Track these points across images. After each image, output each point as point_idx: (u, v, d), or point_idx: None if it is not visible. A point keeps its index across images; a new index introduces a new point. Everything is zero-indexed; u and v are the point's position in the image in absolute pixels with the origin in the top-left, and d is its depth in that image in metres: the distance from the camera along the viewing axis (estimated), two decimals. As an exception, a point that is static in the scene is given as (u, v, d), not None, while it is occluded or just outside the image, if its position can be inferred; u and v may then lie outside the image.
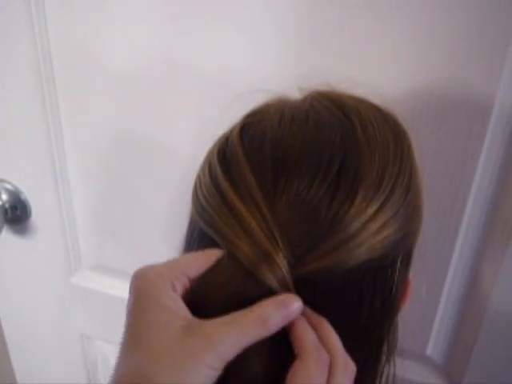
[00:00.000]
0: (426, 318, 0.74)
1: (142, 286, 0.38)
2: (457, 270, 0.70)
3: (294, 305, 0.38)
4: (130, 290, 0.39)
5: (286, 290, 0.38)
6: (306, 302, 0.39)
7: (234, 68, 0.68)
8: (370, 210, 0.39)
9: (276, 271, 0.38)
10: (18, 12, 0.74)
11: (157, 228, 0.86)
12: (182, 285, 0.39)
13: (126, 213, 0.87)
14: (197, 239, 0.45)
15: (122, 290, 0.93)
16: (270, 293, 0.38)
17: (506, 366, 0.73)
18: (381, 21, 0.59)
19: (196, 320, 0.37)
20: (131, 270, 0.92)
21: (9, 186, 0.90)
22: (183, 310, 0.37)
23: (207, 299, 0.39)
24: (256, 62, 0.66)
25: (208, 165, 0.45)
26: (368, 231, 0.39)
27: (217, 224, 0.41)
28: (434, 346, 0.77)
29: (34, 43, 0.76)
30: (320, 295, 0.40)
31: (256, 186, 0.40)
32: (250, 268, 0.38)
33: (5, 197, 0.90)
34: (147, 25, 0.69)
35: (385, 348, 0.46)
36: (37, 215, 0.92)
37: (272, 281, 0.38)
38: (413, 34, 0.58)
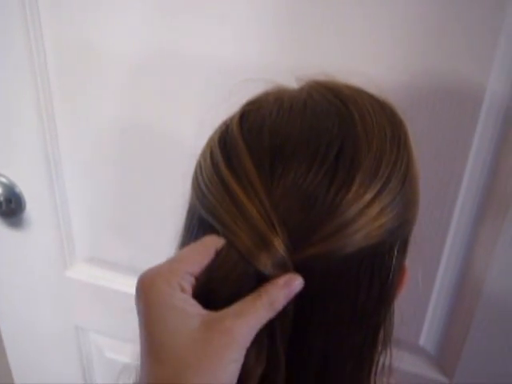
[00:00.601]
0: (419, 308, 0.75)
1: (152, 295, 0.38)
2: (449, 259, 0.71)
3: (296, 284, 0.39)
4: (138, 299, 0.39)
5: (286, 270, 0.39)
6: (303, 287, 0.40)
7: (233, 58, 0.68)
8: (368, 196, 0.40)
9: (274, 258, 0.39)
10: (11, 5, 0.74)
11: (152, 220, 0.86)
12: (189, 284, 0.39)
13: (120, 205, 0.87)
14: (196, 225, 0.45)
15: (116, 283, 0.94)
16: (270, 277, 0.39)
17: (498, 356, 0.74)
18: (374, 14, 0.59)
19: (211, 315, 0.38)
20: (126, 263, 0.93)
21: (3, 180, 0.89)
22: (197, 308, 0.38)
23: (214, 292, 0.40)
24: (254, 51, 0.66)
25: (209, 152, 0.45)
26: (365, 217, 0.40)
27: (217, 211, 0.41)
28: (427, 336, 0.78)
29: (27, 36, 0.76)
30: (318, 281, 0.41)
31: (255, 174, 0.41)
32: (249, 257, 0.39)
33: (-1, 190, 0.90)
34: (145, 14, 0.69)
35: (381, 335, 0.47)
36: (31, 208, 0.92)
37: (271, 267, 0.39)
38: (405, 26, 0.59)
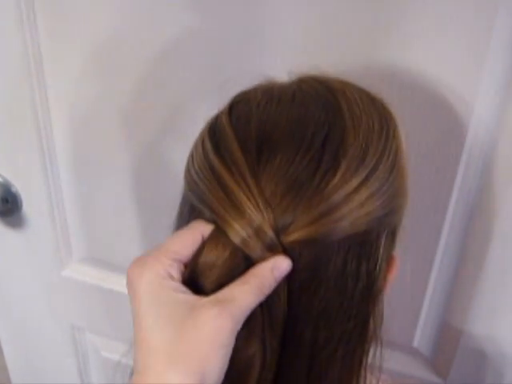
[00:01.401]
0: (413, 309, 0.75)
1: (142, 285, 0.39)
2: (443, 259, 0.71)
3: (284, 266, 0.40)
4: (129, 290, 0.40)
5: (275, 253, 0.40)
6: (291, 273, 0.41)
7: (227, 54, 0.68)
8: (354, 182, 0.40)
9: (263, 241, 0.40)
10: (6, 6, 0.74)
11: (148, 220, 0.86)
12: (177, 271, 0.40)
13: (116, 205, 0.87)
14: (187, 215, 0.46)
15: (112, 283, 0.94)
16: (259, 261, 0.40)
17: (491, 358, 0.74)
18: (365, 11, 0.59)
19: (201, 300, 0.38)
20: (122, 263, 0.92)
21: (-1, 179, 0.90)
22: (186, 295, 0.39)
23: (204, 277, 0.41)
24: (248, 47, 0.67)
25: (200, 142, 0.46)
26: (352, 203, 0.40)
27: (206, 197, 0.42)
28: (421, 337, 0.78)
29: (22, 33, 0.76)
30: (305, 268, 0.42)
31: (242, 159, 0.41)
32: (237, 241, 0.40)
33: (-5, 189, 0.90)
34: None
35: (371, 325, 0.47)
36: (28, 208, 0.92)
37: (260, 251, 0.40)
38: (394, 26, 0.59)
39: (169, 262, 0.40)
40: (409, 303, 0.74)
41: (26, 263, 1.00)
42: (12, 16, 0.74)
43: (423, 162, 0.64)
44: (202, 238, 0.41)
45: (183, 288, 0.40)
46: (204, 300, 0.38)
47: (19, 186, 0.90)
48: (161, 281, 0.38)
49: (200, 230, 0.42)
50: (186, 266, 0.41)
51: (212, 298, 0.39)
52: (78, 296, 1.00)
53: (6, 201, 0.90)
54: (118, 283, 0.93)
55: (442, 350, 0.77)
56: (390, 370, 0.79)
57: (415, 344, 0.79)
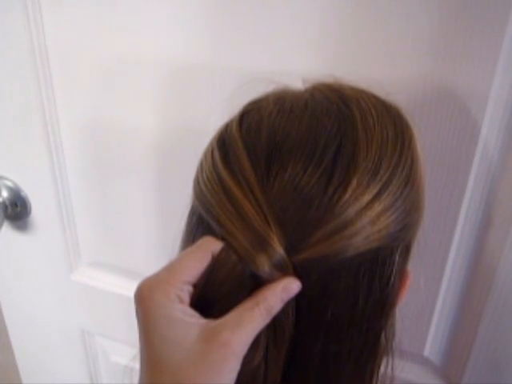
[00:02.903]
0: (423, 318, 0.74)
1: (151, 307, 0.38)
2: (454, 267, 0.69)
3: (293, 289, 0.39)
4: (137, 310, 0.39)
5: (284, 275, 0.39)
6: (301, 289, 0.40)
7: (242, 61, 0.67)
8: (366, 198, 0.39)
9: (272, 259, 0.39)
10: (14, 9, 0.74)
11: (157, 224, 0.86)
12: (187, 293, 0.39)
13: (125, 210, 0.87)
14: (195, 225, 0.45)
15: (121, 287, 0.94)
16: (268, 279, 0.39)
17: (504, 367, 0.73)
18: (380, 18, 0.58)
19: (209, 325, 0.38)
20: (131, 267, 0.93)
21: (9, 183, 0.90)
22: (195, 318, 0.38)
23: (212, 296, 0.40)
24: (261, 54, 0.66)
25: (209, 151, 0.45)
26: (364, 219, 0.39)
27: (214, 209, 0.41)
28: (432, 346, 0.76)
29: (30, 39, 0.76)
30: (315, 284, 0.41)
31: (251, 172, 0.41)
32: (246, 258, 0.39)
33: (5, 193, 0.90)
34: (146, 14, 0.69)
35: (382, 340, 0.46)
36: (37, 212, 0.92)
37: (269, 269, 0.39)
38: (407, 30, 0.58)
39: (179, 285, 0.39)
40: (419, 312, 0.73)
41: (36, 267, 1.00)
42: (19, 20, 0.74)
43: (433, 169, 0.63)
44: (212, 256, 0.40)
45: (192, 312, 0.39)
46: (213, 324, 0.38)
47: (28, 191, 0.91)
48: (170, 304, 0.38)
49: (210, 248, 0.40)
50: (195, 285, 0.40)
51: (220, 322, 0.38)
52: (87, 300, 1.00)
53: (15, 205, 0.91)
54: (127, 287, 0.92)
55: (454, 359, 0.76)
56: (400, 379, 0.78)
57: (426, 353, 0.77)
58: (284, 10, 0.61)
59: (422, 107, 0.60)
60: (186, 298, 0.39)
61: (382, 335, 0.46)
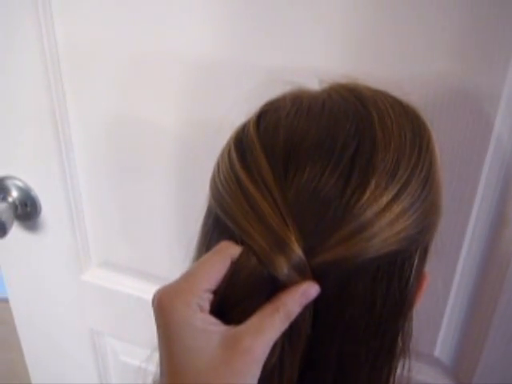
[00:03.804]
0: (435, 318, 0.73)
1: (172, 316, 0.38)
2: (465, 267, 0.69)
3: (312, 293, 0.39)
4: (158, 318, 0.39)
5: (303, 277, 0.39)
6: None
7: (256, 61, 0.67)
8: (384, 199, 0.39)
9: (291, 261, 0.38)
10: (24, 5, 0.74)
11: (167, 224, 0.86)
12: (207, 301, 0.39)
13: (135, 209, 0.87)
14: (212, 226, 0.45)
15: (131, 287, 0.94)
16: (286, 282, 0.39)
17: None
18: (390, 18, 0.58)
19: (230, 331, 0.38)
20: (140, 268, 0.93)
21: (19, 183, 0.90)
22: (216, 326, 0.39)
23: (232, 303, 0.40)
24: (277, 53, 0.66)
25: (227, 152, 0.45)
26: (383, 221, 0.39)
27: (231, 209, 0.41)
28: (443, 346, 0.76)
29: (40, 40, 0.76)
30: (333, 286, 0.41)
31: (269, 173, 0.40)
32: (265, 260, 0.39)
33: (15, 193, 0.90)
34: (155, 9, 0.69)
35: (399, 342, 0.46)
36: (47, 212, 0.93)
37: (288, 271, 0.39)
38: (420, 30, 0.58)
39: (200, 293, 0.39)
40: (430, 312, 0.73)
41: (45, 267, 1.00)
42: (29, 19, 0.75)
43: (445, 168, 0.62)
44: (231, 261, 0.40)
45: (213, 319, 0.39)
46: (234, 331, 0.38)
47: (38, 191, 0.91)
48: (191, 313, 0.38)
49: (229, 253, 0.40)
50: (214, 292, 0.40)
51: (241, 329, 0.38)
52: (97, 300, 1.00)
53: (25, 205, 0.91)
54: (137, 288, 0.93)
55: (464, 360, 0.76)
56: (410, 379, 0.78)
57: (436, 353, 0.77)
58: (306, 10, 0.61)
59: (434, 107, 0.60)
60: (207, 305, 0.39)
61: (399, 337, 0.45)
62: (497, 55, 0.56)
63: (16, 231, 0.96)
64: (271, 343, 0.38)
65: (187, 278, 0.40)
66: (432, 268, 0.67)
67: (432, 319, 0.73)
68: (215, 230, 0.44)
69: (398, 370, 0.48)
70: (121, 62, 0.74)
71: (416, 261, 0.43)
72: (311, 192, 0.39)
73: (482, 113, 0.59)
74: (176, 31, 0.69)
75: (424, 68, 0.59)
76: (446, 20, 0.56)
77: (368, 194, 0.39)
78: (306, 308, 0.40)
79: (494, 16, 0.54)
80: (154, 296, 0.40)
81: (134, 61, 0.74)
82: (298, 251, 0.38)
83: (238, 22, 0.65)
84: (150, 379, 0.53)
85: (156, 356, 0.41)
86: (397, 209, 0.39)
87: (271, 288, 0.39)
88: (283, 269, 0.38)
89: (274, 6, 0.62)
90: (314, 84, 0.50)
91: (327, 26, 0.61)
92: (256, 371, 0.37)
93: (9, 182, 0.91)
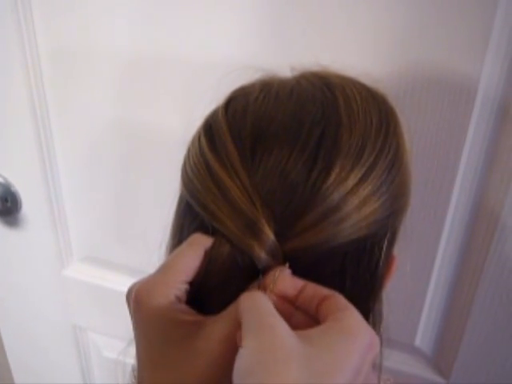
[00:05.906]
0: (414, 308, 0.74)
1: (151, 308, 0.38)
2: (444, 256, 0.70)
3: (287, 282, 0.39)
4: (135, 311, 0.39)
5: (277, 262, 0.39)
6: None
7: (228, 52, 0.67)
8: (350, 182, 0.39)
9: (266, 245, 0.39)
10: (4, 8, 0.74)
11: (148, 219, 0.85)
12: (183, 292, 0.40)
13: (116, 204, 0.87)
14: (183, 214, 0.45)
15: (113, 282, 0.94)
16: (261, 267, 0.39)
17: (494, 356, 0.73)
18: (370, 7, 0.59)
19: (209, 321, 0.38)
20: (123, 262, 0.92)
21: (-1, 179, 0.90)
22: (193, 316, 0.39)
23: (209, 292, 0.40)
24: (248, 43, 0.66)
25: (197, 137, 0.45)
26: (350, 204, 0.39)
27: (201, 195, 0.41)
28: (423, 336, 0.77)
29: (21, 39, 0.76)
30: (301, 270, 0.40)
31: (236, 156, 0.41)
32: (239, 245, 0.39)
33: (-5, 189, 0.90)
34: (136, 14, 0.69)
35: (370, 323, 0.46)
36: (27, 207, 0.92)
37: (264, 255, 0.39)
38: (399, 18, 0.58)
39: (177, 285, 0.39)
40: (410, 301, 0.73)
41: (27, 263, 0.99)
42: (8, 16, 0.74)
43: (423, 157, 0.63)
44: (205, 252, 0.40)
45: (189, 310, 0.39)
46: (211, 320, 0.38)
47: (19, 186, 0.90)
48: (169, 305, 0.38)
49: (202, 243, 0.40)
50: (190, 283, 0.40)
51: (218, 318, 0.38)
52: (78, 295, 1.00)
53: (5, 200, 0.90)
54: (119, 282, 0.93)
55: (445, 349, 0.77)
56: (391, 369, 0.79)
57: (417, 343, 0.78)
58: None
59: (412, 97, 0.61)
60: (183, 296, 0.40)
61: (370, 319, 0.46)
62: (474, 45, 0.57)
63: (-4, 227, 0.95)
64: None
65: (163, 271, 0.40)
66: (412, 257, 0.69)
67: (412, 309, 0.74)
68: (186, 217, 0.44)
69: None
70: (97, 61, 0.74)
71: (385, 244, 0.43)
72: (278, 175, 0.40)
73: (459, 102, 0.60)
74: (169, 33, 0.69)
75: (402, 58, 0.60)
76: (423, 8, 0.57)
77: (333, 176, 0.39)
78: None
79: (471, 6, 0.55)
80: (130, 290, 0.40)
81: (105, 59, 0.73)
82: (270, 235, 0.39)
83: (238, 22, 0.65)
84: (128, 370, 0.53)
85: (132, 350, 0.41)
86: (363, 192, 0.40)
87: (246, 274, 0.40)
88: (259, 253, 0.39)
89: (275, 6, 0.63)
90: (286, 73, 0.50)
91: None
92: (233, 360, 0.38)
93: (-12, 178, 0.90)
